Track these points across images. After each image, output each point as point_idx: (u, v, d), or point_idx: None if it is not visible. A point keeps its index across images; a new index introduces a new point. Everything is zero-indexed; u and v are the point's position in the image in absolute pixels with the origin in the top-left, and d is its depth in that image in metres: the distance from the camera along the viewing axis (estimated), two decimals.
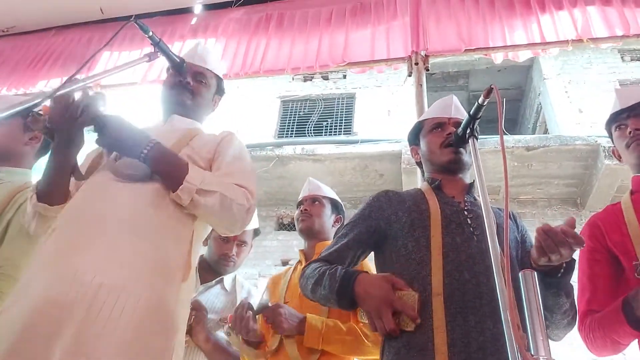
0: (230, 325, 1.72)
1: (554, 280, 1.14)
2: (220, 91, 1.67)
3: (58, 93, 1.16)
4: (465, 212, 1.35)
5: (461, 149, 1.41)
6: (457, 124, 1.45)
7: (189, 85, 1.52)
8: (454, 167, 1.44)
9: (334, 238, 1.49)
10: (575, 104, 7.23)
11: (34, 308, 1.00)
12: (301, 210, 2.04)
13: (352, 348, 1.62)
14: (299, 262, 1.98)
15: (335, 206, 2.10)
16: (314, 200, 2.06)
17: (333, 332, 1.62)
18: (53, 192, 1.25)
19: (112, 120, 1.18)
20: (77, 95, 1.17)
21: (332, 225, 2.05)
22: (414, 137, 1.62)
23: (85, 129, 1.21)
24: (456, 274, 1.20)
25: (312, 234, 1.99)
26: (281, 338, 1.69)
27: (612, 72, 7.51)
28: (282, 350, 1.69)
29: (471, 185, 1.45)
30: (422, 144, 1.56)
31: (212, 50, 1.76)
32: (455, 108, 1.53)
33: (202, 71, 1.58)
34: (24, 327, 0.97)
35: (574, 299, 1.26)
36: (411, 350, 1.14)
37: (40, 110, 1.16)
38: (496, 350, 1.06)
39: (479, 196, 1.39)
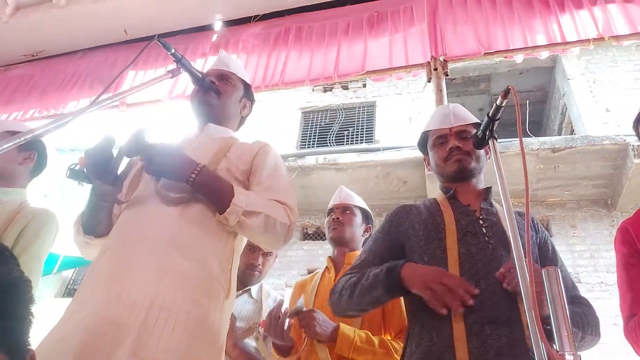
0: (262, 329, 1.73)
1: None
2: (249, 95, 1.69)
3: (89, 147, 1.19)
4: (481, 221, 1.36)
5: (467, 157, 1.44)
6: (459, 132, 1.49)
7: (214, 84, 1.55)
8: (461, 176, 1.46)
9: (360, 253, 1.51)
10: (601, 103, 7.07)
11: (90, 327, 1.03)
12: (333, 219, 2.04)
13: None
14: (327, 269, 2.00)
15: (366, 216, 2.10)
16: (345, 209, 2.06)
17: (365, 343, 1.63)
18: (97, 226, 1.29)
19: (158, 149, 1.21)
20: (106, 147, 1.19)
21: (362, 235, 2.05)
22: (424, 148, 1.64)
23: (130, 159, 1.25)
24: (473, 284, 1.20)
25: (342, 243, 2.00)
26: (312, 343, 1.70)
27: (638, 69, 7.34)
28: (312, 354, 1.70)
29: (487, 190, 1.47)
30: (430, 156, 1.59)
31: (233, 58, 1.80)
32: (455, 116, 1.54)
33: (225, 73, 1.61)
34: (81, 345, 1.00)
35: (587, 324, 1.26)
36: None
37: (76, 164, 1.19)
38: (514, 356, 1.06)
39: (495, 203, 1.41)
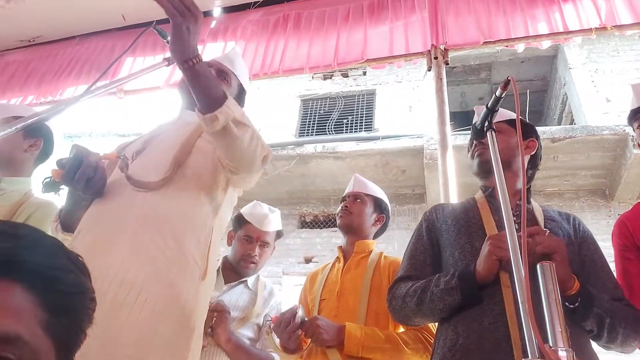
0: (272, 325, 1.71)
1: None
2: (241, 100, 1.64)
3: (59, 158, 1.18)
4: (514, 218, 1.34)
5: (485, 150, 1.42)
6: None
7: None
8: (484, 169, 1.47)
9: (406, 256, 1.49)
10: (602, 93, 7.04)
11: None
12: (342, 207, 2.05)
13: (391, 356, 1.62)
14: (337, 258, 2.00)
15: (379, 205, 2.06)
16: (356, 198, 2.04)
17: (372, 341, 1.62)
18: (75, 224, 1.29)
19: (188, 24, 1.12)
20: (76, 155, 1.17)
21: (373, 225, 2.02)
22: None
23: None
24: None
25: (350, 231, 1.99)
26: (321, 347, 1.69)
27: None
28: (322, 357, 1.68)
29: (527, 190, 1.45)
30: None
31: (242, 59, 1.77)
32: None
33: (226, 70, 1.59)
34: None
35: (609, 324, 1.16)
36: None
37: (48, 177, 1.18)
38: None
39: (533, 202, 1.41)
